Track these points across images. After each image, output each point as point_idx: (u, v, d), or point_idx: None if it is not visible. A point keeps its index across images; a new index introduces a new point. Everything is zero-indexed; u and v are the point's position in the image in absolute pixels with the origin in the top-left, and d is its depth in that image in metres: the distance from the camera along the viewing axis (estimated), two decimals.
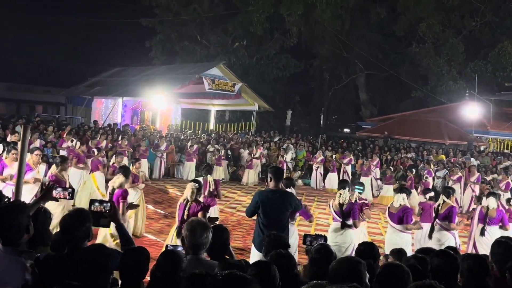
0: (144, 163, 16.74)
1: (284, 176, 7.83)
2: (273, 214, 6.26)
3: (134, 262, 3.37)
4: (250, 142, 23.20)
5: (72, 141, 15.24)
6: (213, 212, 9.30)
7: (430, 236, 8.62)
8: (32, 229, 3.37)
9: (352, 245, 7.71)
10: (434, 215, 8.99)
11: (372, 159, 19.63)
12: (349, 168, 19.80)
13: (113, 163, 12.05)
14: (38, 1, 40.69)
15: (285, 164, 20.29)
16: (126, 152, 15.62)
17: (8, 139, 14.03)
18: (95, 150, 13.89)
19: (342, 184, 8.40)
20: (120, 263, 3.38)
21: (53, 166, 9.27)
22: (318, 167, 20.37)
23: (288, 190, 7.10)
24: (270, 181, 6.52)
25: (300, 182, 21.10)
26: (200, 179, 9.42)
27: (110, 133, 19.39)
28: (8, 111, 33.50)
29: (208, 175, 10.18)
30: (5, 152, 9.68)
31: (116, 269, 3.52)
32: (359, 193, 9.18)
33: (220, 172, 19.87)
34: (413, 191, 13.74)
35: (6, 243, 3.22)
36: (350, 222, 7.87)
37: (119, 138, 18.08)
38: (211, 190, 9.76)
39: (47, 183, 5.89)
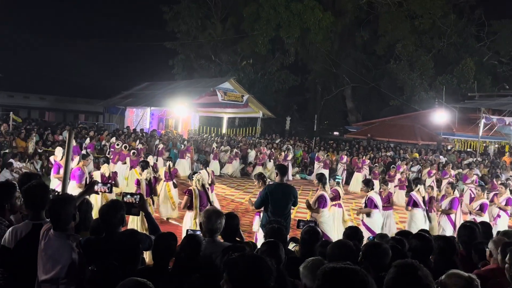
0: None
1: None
2: (279, 204, 6.28)
3: (165, 245, 3.34)
4: (256, 143, 23.21)
5: (117, 144, 15.38)
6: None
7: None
8: (78, 217, 3.40)
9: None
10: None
11: (364, 159, 19.46)
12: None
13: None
14: (81, 28, 40.99)
15: (286, 162, 20.19)
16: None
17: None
18: (134, 151, 14.05)
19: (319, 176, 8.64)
20: (153, 246, 3.37)
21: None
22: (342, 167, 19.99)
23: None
24: (277, 176, 6.55)
25: (297, 176, 21.12)
26: (202, 171, 9.54)
27: (142, 137, 19.46)
28: (56, 119, 33.73)
29: (207, 168, 10.53)
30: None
31: (146, 250, 3.53)
32: (337, 182, 9.47)
33: (229, 168, 19.88)
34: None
35: (56, 228, 3.24)
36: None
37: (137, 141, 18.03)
38: (212, 178, 10.44)
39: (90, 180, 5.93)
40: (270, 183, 7.11)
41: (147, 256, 4.94)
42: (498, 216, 9.89)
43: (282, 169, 6.63)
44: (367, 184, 8.79)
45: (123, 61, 39.13)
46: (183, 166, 17.66)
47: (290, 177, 19.56)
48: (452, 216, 9.05)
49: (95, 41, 38.75)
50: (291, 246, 5.62)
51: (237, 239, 4.40)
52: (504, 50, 33.82)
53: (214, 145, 20.34)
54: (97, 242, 3.42)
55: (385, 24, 33.61)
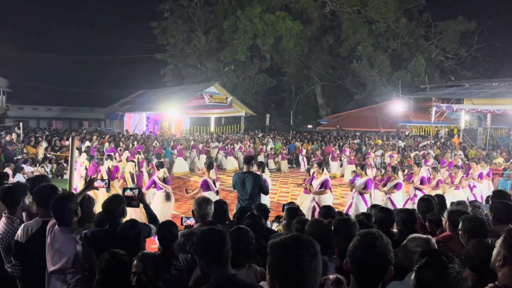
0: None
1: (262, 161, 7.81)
2: (244, 190, 6.19)
3: (168, 232, 3.32)
4: (241, 138, 23.13)
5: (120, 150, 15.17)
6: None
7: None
8: (80, 212, 3.32)
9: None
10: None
11: (344, 148, 19.15)
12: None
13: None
14: (81, 44, 40.31)
15: (263, 152, 20.11)
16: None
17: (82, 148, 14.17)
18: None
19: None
20: (158, 234, 3.37)
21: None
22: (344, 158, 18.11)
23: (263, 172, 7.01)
24: (243, 165, 6.50)
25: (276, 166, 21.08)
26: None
27: (141, 139, 19.16)
28: (63, 127, 33.24)
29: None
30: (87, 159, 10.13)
31: (147, 237, 3.46)
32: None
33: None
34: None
35: (60, 224, 3.17)
36: None
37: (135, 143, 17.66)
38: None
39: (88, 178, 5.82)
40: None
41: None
42: (415, 195, 9.12)
43: (246, 160, 6.50)
44: (319, 165, 8.56)
45: (120, 73, 38.62)
46: (182, 163, 17.58)
47: (273, 166, 19.57)
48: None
49: (94, 55, 38.20)
50: (275, 226, 5.59)
51: (227, 222, 4.35)
52: (449, 47, 34.36)
53: (201, 145, 20.05)
54: (101, 233, 3.34)
55: (346, 29, 33.73)
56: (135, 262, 2.63)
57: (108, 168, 9.79)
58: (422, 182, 9.32)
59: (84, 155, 10.55)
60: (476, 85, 26.44)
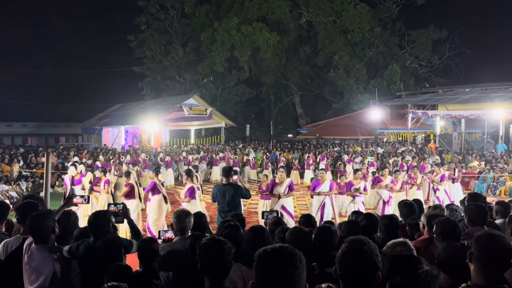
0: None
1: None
2: (223, 202, 6.19)
3: (147, 248, 3.23)
4: (222, 149, 23.05)
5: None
6: None
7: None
8: (58, 229, 3.25)
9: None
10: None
11: (323, 156, 19.31)
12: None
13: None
14: (56, 58, 39.71)
15: (250, 161, 20.08)
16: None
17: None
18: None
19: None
20: (138, 251, 3.28)
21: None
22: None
23: (235, 176, 6.98)
24: (222, 177, 6.50)
25: (260, 175, 21.05)
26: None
27: (117, 152, 18.95)
28: (38, 143, 32.48)
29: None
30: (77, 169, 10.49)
31: (128, 253, 3.41)
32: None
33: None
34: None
35: (37, 242, 3.11)
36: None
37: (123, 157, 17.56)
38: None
39: (68, 194, 5.72)
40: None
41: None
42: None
43: (224, 172, 6.49)
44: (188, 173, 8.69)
45: (96, 87, 38.11)
46: (169, 175, 17.41)
47: (254, 177, 19.56)
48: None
49: (70, 70, 37.64)
50: None
51: (207, 234, 4.33)
52: (422, 55, 35.32)
53: (184, 154, 19.99)
54: (85, 248, 3.27)
55: (323, 40, 34.28)
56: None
57: (90, 180, 9.91)
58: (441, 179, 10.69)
59: (72, 168, 10.53)
60: (449, 91, 27.21)
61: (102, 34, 43.43)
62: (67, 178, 10.62)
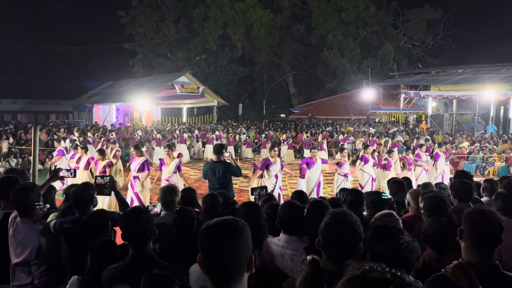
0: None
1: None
2: (213, 178, 6.23)
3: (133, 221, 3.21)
4: (214, 129, 22.98)
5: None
6: None
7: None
8: (43, 203, 3.21)
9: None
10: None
11: (317, 136, 19.21)
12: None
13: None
14: (48, 34, 38.88)
15: (246, 140, 20.04)
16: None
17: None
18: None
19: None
20: (121, 227, 3.23)
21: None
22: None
23: (226, 154, 6.94)
24: (213, 155, 6.48)
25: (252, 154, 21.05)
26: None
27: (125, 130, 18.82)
28: (28, 120, 32.13)
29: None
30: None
31: (116, 226, 3.38)
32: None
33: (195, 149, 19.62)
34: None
35: (22, 215, 3.08)
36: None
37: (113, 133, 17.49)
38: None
39: (53, 168, 5.68)
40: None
41: None
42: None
43: (215, 149, 6.50)
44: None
45: (88, 64, 37.53)
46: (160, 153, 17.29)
47: (250, 155, 19.52)
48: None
49: (61, 46, 36.90)
50: None
51: (197, 209, 4.33)
52: (417, 35, 35.14)
53: (177, 132, 19.88)
54: (70, 222, 3.24)
55: (317, 18, 33.90)
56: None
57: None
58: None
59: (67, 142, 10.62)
60: (442, 72, 27.17)
61: (93, 9, 42.58)
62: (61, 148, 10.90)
